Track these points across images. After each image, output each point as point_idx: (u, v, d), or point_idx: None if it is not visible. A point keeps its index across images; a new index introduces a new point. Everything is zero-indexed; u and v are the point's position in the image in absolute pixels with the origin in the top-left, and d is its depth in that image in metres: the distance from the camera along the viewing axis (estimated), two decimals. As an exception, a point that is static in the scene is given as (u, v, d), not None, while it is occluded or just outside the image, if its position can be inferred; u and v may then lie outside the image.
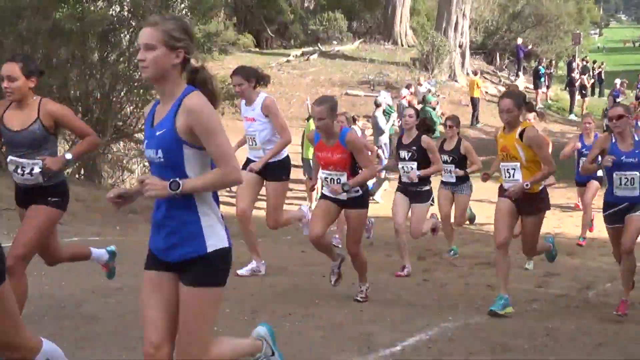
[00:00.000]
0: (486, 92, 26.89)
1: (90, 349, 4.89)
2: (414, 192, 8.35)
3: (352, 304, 6.49)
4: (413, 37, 32.93)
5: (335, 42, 32.65)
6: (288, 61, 30.09)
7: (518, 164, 6.39)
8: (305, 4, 36.64)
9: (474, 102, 25.17)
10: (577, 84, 27.45)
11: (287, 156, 7.38)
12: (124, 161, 13.85)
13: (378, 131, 16.78)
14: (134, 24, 12.75)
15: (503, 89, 30.32)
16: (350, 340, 5.39)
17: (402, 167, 8.47)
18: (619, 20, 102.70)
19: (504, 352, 5.29)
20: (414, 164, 8.34)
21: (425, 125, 8.80)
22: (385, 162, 15.30)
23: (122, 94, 12.99)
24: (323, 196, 6.51)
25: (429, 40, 28.47)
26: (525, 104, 6.60)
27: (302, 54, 31.04)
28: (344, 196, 6.29)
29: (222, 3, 24.94)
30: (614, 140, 6.75)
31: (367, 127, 18.00)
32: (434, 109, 19.17)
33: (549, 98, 29.40)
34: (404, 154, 8.46)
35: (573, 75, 27.80)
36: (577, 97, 27.53)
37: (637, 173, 6.60)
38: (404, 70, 28.66)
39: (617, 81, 26.15)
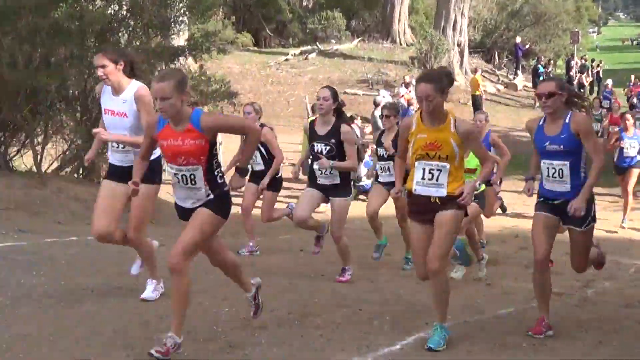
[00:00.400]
0: (484, 91, 26.92)
1: (90, 349, 4.90)
2: (330, 186, 7.24)
3: (352, 303, 6.49)
4: (412, 35, 32.99)
5: (333, 41, 32.68)
6: (287, 60, 30.11)
7: (448, 165, 5.23)
8: (304, 3, 36.66)
9: (476, 100, 24.97)
10: (575, 82, 27.46)
11: (155, 159, 5.71)
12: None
13: (377, 130, 16.78)
14: (132, 23, 12.74)
15: (502, 88, 30.50)
16: (349, 339, 5.39)
17: (319, 167, 7.17)
18: (618, 19, 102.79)
19: (504, 350, 5.29)
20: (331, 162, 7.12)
21: (341, 111, 7.30)
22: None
23: (121, 93, 12.96)
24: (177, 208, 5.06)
25: (428, 38, 28.51)
26: (450, 87, 5.34)
27: (301, 53, 31.07)
28: (199, 199, 4.89)
29: (221, 2, 24.98)
30: (542, 122, 5.74)
31: (366, 126, 18.02)
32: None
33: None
34: (319, 147, 7.13)
35: (571, 73, 27.82)
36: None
37: (567, 163, 5.55)
38: (402, 68, 28.70)
39: (609, 81, 26.11)
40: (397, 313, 6.17)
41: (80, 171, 13.04)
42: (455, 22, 29.85)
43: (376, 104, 17.22)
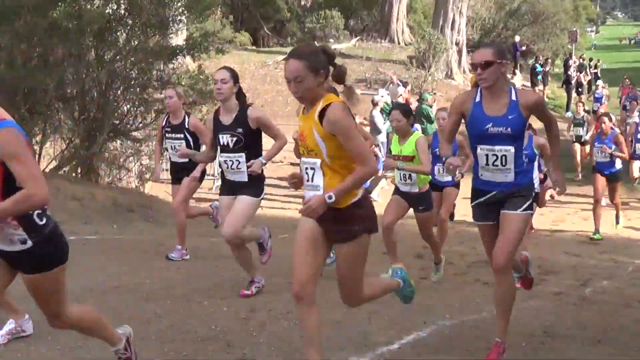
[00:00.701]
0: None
1: (88, 347, 4.89)
2: (241, 183, 6.22)
3: (350, 302, 6.48)
4: (410, 35, 32.99)
5: (332, 40, 32.67)
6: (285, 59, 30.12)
7: (318, 161, 4.09)
8: (302, 2, 36.66)
9: None
10: (573, 81, 27.47)
11: None
12: (121, 160, 13.84)
13: (375, 130, 16.80)
14: (130, 22, 12.73)
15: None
16: (348, 338, 5.39)
17: (225, 160, 6.18)
18: (616, 18, 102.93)
19: (502, 349, 5.29)
20: (242, 156, 6.11)
21: (242, 94, 6.22)
22: (382, 160, 15.25)
23: (119, 92, 12.98)
24: None
25: (426, 38, 28.50)
26: (326, 67, 4.10)
27: (299, 52, 31.05)
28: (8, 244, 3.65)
29: (219, 1, 24.97)
30: (478, 99, 4.76)
31: (364, 124, 17.99)
32: (430, 106, 19.16)
33: (546, 96, 29.47)
34: (225, 139, 6.11)
35: (569, 72, 27.84)
36: (574, 94, 27.57)
37: (512, 148, 4.66)
38: (401, 68, 28.68)
39: (600, 83, 25.78)
40: (396, 312, 6.17)
41: (79, 170, 13.04)
42: (453, 21, 29.85)
43: (374, 104, 17.21)
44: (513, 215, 4.70)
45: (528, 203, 4.76)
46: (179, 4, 13.17)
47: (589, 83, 31.01)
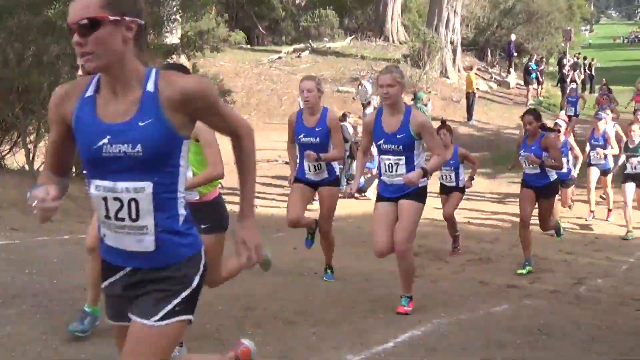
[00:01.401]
0: (477, 89, 26.98)
1: (82, 346, 4.88)
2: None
3: (345, 300, 6.49)
4: (405, 33, 33.00)
5: (326, 39, 32.68)
6: (279, 58, 30.10)
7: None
8: (297, 1, 36.65)
9: (469, 98, 24.84)
10: (568, 80, 27.48)
11: None
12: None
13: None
14: (125, 20, 12.74)
15: (494, 86, 30.58)
16: (343, 337, 5.39)
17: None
18: (610, 17, 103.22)
19: (497, 348, 5.30)
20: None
21: None
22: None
23: (114, 91, 12.97)
24: None
25: (420, 37, 28.50)
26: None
27: (294, 51, 31.05)
28: None
29: (214, 0, 24.97)
30: (89, 93, 2.65)
31: (358, 123, 18.00)
32: (425, 105, 19.17)
33: (540, 94, 29.49)
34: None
35: (564, 71, 27.85)
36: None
37: (148, 185, 2.53)
38: (395, 67, 28.70)
39: (573, 85, 24.72)
40: (390, 310, 6.18)
41: (73, 170, 13.02)
42: (448, 20, 29.86)
43: (368, 103, 17.23)
44: (143, 329, 2.69)
45: (177, 301, 2.76)
46: (174, 2, 13.16)
47: (583, 82, 31.05)
